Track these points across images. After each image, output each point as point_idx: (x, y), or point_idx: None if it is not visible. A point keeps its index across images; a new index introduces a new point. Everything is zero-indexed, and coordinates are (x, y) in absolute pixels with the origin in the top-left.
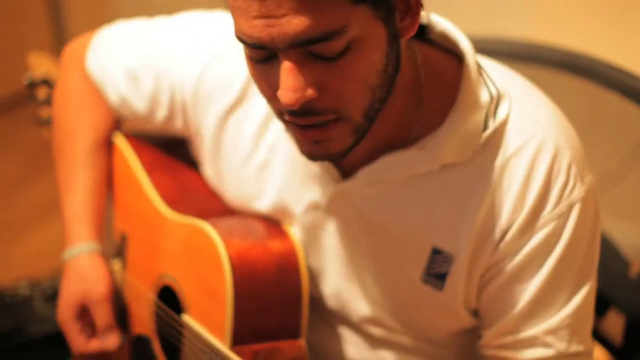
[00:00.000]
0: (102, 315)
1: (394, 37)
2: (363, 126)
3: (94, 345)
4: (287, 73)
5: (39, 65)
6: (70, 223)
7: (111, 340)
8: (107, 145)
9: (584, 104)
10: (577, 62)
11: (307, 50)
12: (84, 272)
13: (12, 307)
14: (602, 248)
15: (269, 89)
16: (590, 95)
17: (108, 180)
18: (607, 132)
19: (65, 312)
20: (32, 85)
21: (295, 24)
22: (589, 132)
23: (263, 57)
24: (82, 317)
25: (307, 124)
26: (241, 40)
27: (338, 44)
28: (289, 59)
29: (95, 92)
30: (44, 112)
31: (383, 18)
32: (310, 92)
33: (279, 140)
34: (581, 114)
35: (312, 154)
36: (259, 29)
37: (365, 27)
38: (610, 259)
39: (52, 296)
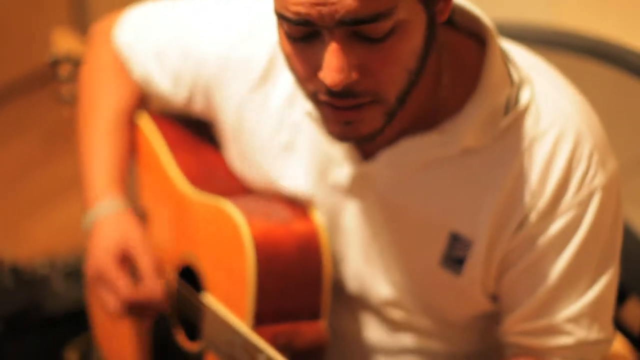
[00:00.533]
0: (147, 260)
1: (431, 22)
2: (395, 109)
3: (142, 291)
4: (333, 54)
5: (63, 42)
6: (94, 185)
7: (158, 287)
8: (131, 119)
9: (610, 92)
10: (604, 49)
11: (354, 30)
12: (119, 224)
13: (30, 284)
14: (623, 237)
15: (306, 68)
16: (617, 83)
17: (130, 153)
18: (633, 121)
19: (105, 258)
20: (56, 63)
21: (348, 3)
22: (614, 121)
23: (304, 34)
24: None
25: (343, 106)
26: (282, 16)
27: (385, 26)
28: (335, 39)
29: (122, 66)
30: (65, 90)
31: (424, 2)
32: (354, 74)
33: (303, 121)
34: (607, 102)
35: (341, 135)
36: (307, 7)
37: (410, 10)
38: (631, 247)
39: (70, 274)
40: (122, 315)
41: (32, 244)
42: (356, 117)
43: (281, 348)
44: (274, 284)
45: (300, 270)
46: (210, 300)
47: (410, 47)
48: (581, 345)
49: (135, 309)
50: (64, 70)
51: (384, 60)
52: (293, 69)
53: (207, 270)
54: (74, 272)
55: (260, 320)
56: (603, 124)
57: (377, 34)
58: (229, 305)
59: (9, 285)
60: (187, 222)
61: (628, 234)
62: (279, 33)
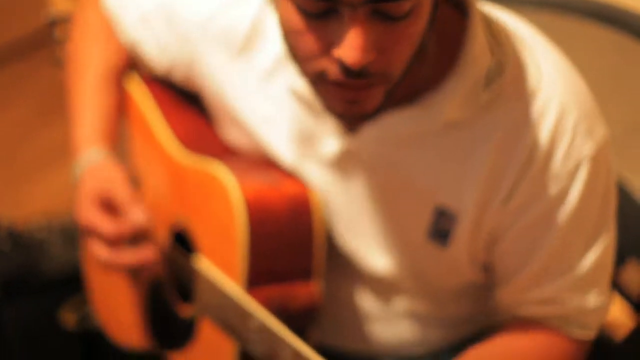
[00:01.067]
0: (123, 193)
1: None
2: (395, 87)
3: (125, 226)
4: (357, 32)
5: (60, 2)
6: (79, 138)
7: (139, 214)
8: (120, 79)
9: (612, 56)
10: (606, 12)
11: (376, 9)
12: (100, 172)
13: (27, 247)
14: (621, 199)
15: (317, 46)
16: (619, 47)
17: (119, 111)
18: (635, 84)
19: (87, 207)
20: (53, 24)
21: None
22: (616, 84)
23: (321, 10)
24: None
25: (354, 85)
26: None
27: (407, 5)
28: (358, 16)
29: (110, 27)
30: (63, 52)
31: None
32: (374, 54)
33: (283, 96)
34: (609, 66)
35: (344, 113)
36: None
37: None
38: (629, 211)
39: (67, 238)
40: (116, 264)
41: (29, 207)
42: (362, 96)
43: (275, 310)
44: (266, 245)
45: (292, 231)
46: (203, 263)
47: (421, 24)
48: (579, 313)
49: (128, 263)
50: (62, 31)
51: (398, 39)
52: (297, 46)
53: (200, 233)
54: (71, 236)
55: (253, 282)
56: (604, 88)
57: (398, 12)
58: (222, 268)
59: (6, 249)
60: (179, 185)
61: (627, 197)
62: (284, 7)
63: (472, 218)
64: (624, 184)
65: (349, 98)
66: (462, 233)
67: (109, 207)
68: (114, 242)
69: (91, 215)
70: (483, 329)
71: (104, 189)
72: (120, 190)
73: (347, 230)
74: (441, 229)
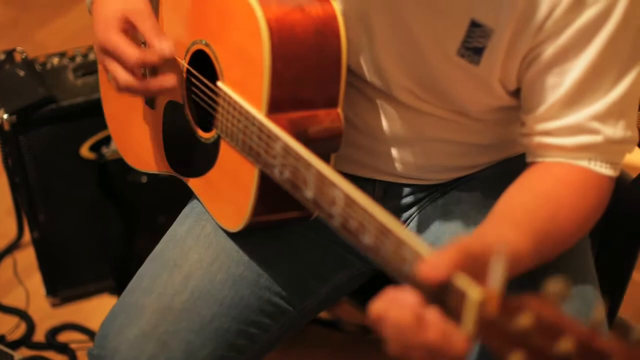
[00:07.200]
0: (151, 24)
1: None
2: None
3: (151, 54)
4: None
5: None
6: None
7: (166, 45)
8: None
9: None
10: None
11: None
12: None
13: (42, 76)
14: None
15: None
16: None
17: None
18: None
19: (108, 28)
20: None
21: None
22: None
23: None
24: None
25: None
26: None
27: None
28: None
29: None
30: None
31: None
32: None
33: None
34: None
35: None
36: None
37: None
38: None
39: (83, 66)
40: (133, 87)
41: (47, 49)
42: None
43: (297, 135)
44: (290, 69)
45: (317, 56)
46: (224, 88)
47: None
48: (608, 144)
49: (145, 89)
50: None
51: None
52: None
53: (221, 58)
54: (89, 66)
55: (276, 106)
56: None
57: None
58: (243, 93)
59: (22, 77)
60: (199, 7)
61: None
62: None
63: (508, 37)
64: None
65: None
66: (495, 52)
67: (128, 31)
68: (136, 67)
69: (111, 39)
70: (507, 158)
71: (129, 12)
72: (144, 20)
73: (377, 45)
74: (474, 45)
